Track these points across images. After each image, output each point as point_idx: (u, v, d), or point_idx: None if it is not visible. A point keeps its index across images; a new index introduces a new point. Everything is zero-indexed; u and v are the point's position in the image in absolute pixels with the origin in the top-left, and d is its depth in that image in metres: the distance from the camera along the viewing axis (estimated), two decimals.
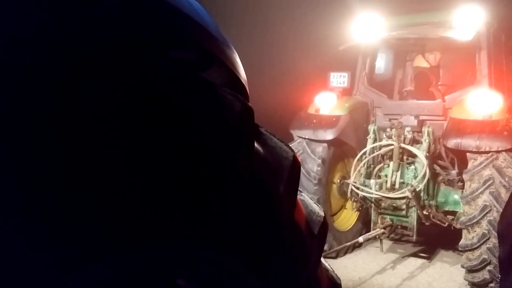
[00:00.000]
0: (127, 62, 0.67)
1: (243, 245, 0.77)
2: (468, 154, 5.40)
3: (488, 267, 5.10)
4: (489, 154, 5.19)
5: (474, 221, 5.14)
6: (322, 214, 0.95)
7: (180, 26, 0.73)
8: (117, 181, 0.64)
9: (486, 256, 5.07)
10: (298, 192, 0.92)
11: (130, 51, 0.68)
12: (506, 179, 5.05)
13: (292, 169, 0.86)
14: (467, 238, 5.24)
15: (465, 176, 5.41)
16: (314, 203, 0.97)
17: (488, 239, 5.06)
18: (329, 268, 1.00)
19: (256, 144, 0.82)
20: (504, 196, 4.97)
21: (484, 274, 5.14)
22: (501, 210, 4.83)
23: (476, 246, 5.14)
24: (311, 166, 6.23)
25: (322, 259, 0.98)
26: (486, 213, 5.08)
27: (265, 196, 0.79)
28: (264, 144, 0.85)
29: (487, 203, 5.08)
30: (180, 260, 0.76)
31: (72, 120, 0.62)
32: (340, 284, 0.98)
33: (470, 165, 5.36)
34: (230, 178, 0.75)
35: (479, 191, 5.16)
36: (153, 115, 0.67)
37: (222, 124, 0.75)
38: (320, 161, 6.22)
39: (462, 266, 5.36)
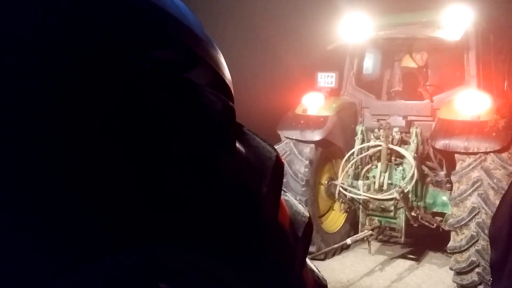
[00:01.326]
0: (109, 62, 0.67)
1: (226, 247, 0.75)
2: (456, 155, 5.36)
3: (476, 269, 5.06)
4: (478, 156, 5.15)
5: (463, 223, 5.10)
6: (307, 214, 0.93)
7: (164, 25, 0.72)
8: (95, 183, 0.64)
9: (474, 258, 5.03)
10: (283, 192, 0.91)
11: (113, 51, 0.67)
12: (495, 180, 5.00)
13: (276, 169, 0.84)
14: (456, 240, 5.20)
15: (453, 178, 5.37)
16: (299, 203, 0.95)
17: (477, 241, 5.02)
18: (315, 269, 0.98)
19: (238, 144, 0.80)
20: (493, 198, 4.93)
21: (472, 276, 5.11)
22: (490, 212, 4.83)
23: (464, 248, 5.09)
24: (299, 167, 6.17)
25: (308, 260, 0.96)
26: (475, 215, 5.03)
27: (248, 197, 0.78)
28: (246, 144, 0.83)
29: (476, 205, 5.04)
30: (162, 264, 0.74)
31: (54, 121, 0.62)
32: (326, 285, 0.96)
33: (458, 166, 5.32)
34: (212, 179, 0.73)
35: (468, 193, 5.11)
36: (133, 116, 0.67)
37: (202, 124, 0.73)
38: (307, 162, 6.17)
39: (451, 268, 5.32)
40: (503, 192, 4.18)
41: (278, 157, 0.86)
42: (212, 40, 0.82)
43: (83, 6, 0.65)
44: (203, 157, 0.72)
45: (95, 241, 0.65)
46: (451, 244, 5.26)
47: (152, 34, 0.71)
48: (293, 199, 0.93)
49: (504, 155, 5.08)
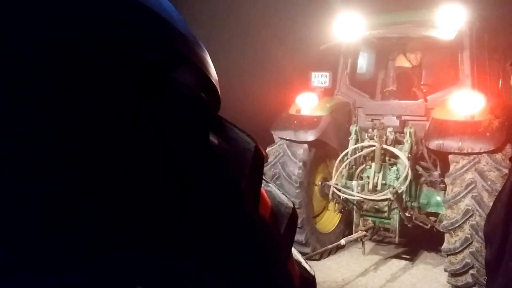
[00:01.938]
0: (89, 61, 0.65)
1: (204, 246, 0.72)
2: (450, 157, 5.33)
3: (471, 271, 5.04)
4: (471, 157, 5.12)
5: (457, 225, 5.07)
6: (291, 205, 0.89)
7: (145, 22, 0.70)
8: (71, 186, 0.62)
9: (469, 260, 5.01)
10: (265, 183, 0.88)
11: (92, 50, 0.65)
12: (489, 183, 4.97)
13: (255, 160, 0.81)
14: (450, 242, 5.18)
15: (447, 180, 5.34)
16: (283, 193, 0.91)
17: (471, 243, 5.00)
18: (302, 260, 0.94)
19: (215, 136, 0.77)
20: (487, 200, 4.90)
21: (467, 278, 5.09)
22: (483, 214, 4.79)
23: (458, 250, 5.07)
24: (292, 169, 6.13)
25: (295, 251, 0.93)
26: (469, 217, 5.01)
27: (226, 191, 0.75)
28: (224, 135, 0.80)
29: (470, 207, 5.01)
30: (139, 268, 0.71)
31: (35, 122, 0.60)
32: (314, 276, 0.92)
33: (452, 168, 5.29)
34: (187, 173, 0.71)
35: (461, 195, 5.09)
36: (111, 115, 0.65)
37: (174, 119, 0.71)
38: (301, 163, 6.12)
39: (445, 270, 5.30)
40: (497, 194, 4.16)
41: (257, 148, 0.82)
42: (197, 38, 0.80)
43: (66, 6, 0.64)
44: (176, 151, 0.70)
45: (73, 247, 0.63)
46: (445, 246, 5.24)
47: (133, 31, 0.69)
48: (276, 189, 0.89)
49: (498, 156, 5.05)
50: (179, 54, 0.76)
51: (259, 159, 0.82)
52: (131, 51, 0.70)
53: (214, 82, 0.82)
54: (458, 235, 5.09)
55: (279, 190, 0.90)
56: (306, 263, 0.95)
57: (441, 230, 5.32)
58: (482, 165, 5.05)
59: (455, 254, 5.11)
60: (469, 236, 4.99)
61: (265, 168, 6.23)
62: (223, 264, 0.73)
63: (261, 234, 0.78)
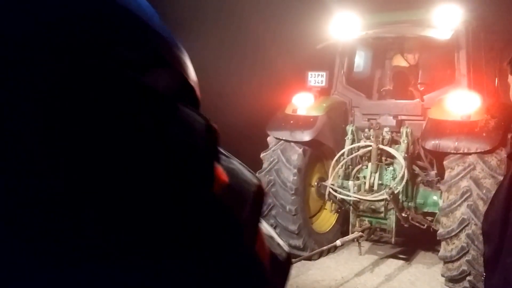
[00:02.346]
0: (58, 62, 0.62)
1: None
2: (445, 163, 5.32)
3: (468, 277, 5.06)
4: (466, 164, 5.09)
5: (453, 234, 5.08)
6: (256, 182, 0.82)
7: (119, 20, 0.68)
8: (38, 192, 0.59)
9: (465, 268, 5.02)
10: (227, 159, 0.81)
11: (70, 51, 0.63)
12: (484, 191, 4.94)
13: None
14: (446, 249, 5.19)
15: (442, 187, 5.35)
16: (247, 169, 0.84)
17: (467, 252, 5.00)
18: (274, 234, 0.87)
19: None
20: (482, 208, 4.87)
21: (464, 284, 5.11)
22: (479, 223, 4.77)
23: (455, 258, 5.08)
24: (287, 175, 6.11)
25: (267, 227, 0.86)
26: (464, 226, 5.01)
27: (226, 226, 0.71)
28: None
29: (465, 217, 5.00)
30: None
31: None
32: (289, 253, 0.85)
33: (447, 175, 5.28)
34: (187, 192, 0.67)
35: (457, 203, 5.08)
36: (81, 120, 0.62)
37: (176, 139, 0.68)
38: (295, 170, 6.09)
39: (442, 275, 5.31)
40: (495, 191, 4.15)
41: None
42: (175, 38, 0.77)
43: (41, 6, 0.62)
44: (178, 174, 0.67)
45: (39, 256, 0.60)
46: (442, 253, 5.24)
47: (108, 29, 0.67)
48: (241, 166, 0.84)
49: (493, 162, 5.03)
50: (155, 55, 0.73)
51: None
52: (108, 49, 0.67)
53: (193, 84, 0.79)
54: (454, 243, 5.10)
55: (244, 166, 0.83)
56: (279, 237, 0.89)
57: (438, 238, 5.29)
58: (477, 172, 5.04)
59: (452, 261, 5.13)
60: (465, 245, 4.99)
61: (259, 175, 6.27)
62: (182, 245, 0.69)
63: (219, 215, 0.72)
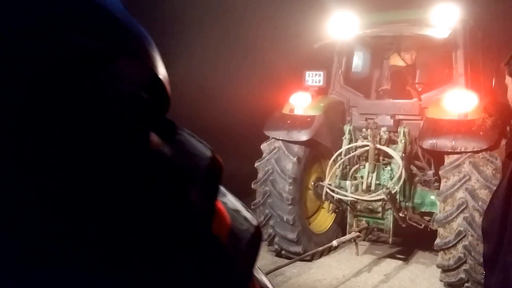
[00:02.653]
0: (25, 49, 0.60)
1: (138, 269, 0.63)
2: (440, 172, 5.30)
3: (466, 284, 5.08)
4: (462, 175, 5.05)
5: (450, 245, 5.08)
6: (255, 223, 0.77)
7: (79, 9, 0.66)
8: None
9: (463, 276, 5.03)
10: (225, 197, 0.78)
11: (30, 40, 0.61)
12: (480, 203, 4.90)
13: (210, 171, 0.72)
14: (444, 258, 5.19)
15: (438, 198, 5.33)
16: (247, 209, 0.80)
17: (465, 261, 5.00)
18: (266, 280, 0.83)
19: (159, 140, 0.68)
20: (478, 220, 4.86)
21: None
22: (476, 234, 4.84)
23: (453, 267, 5.09)
24: (282, 186, 6.07)
25: (260, 273, 0.82)
26: (461, 238, 5.00)
27: (169, 204, 0.65)
28: (172, 141, 0.72)
29: (462, 228, 4.99)
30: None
31: None
32: (257, 226, 0.80)
33: (442, 185, 5.26)
34: (119, 178, 0.63)
35: (453, 216, 5.06)
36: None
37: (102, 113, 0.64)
38: (291, 180, 6.04)
39: (441, 281, 5.31)
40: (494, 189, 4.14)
41: (214, 158, 0.74)
42: (144, 31, 0.75)
43: None
44: (105, 155, 0.62)
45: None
46: (439, 261, 5.24)
47: (69, 16, 0.65)
48: (239, 204, 0.79)
49: (489, 173, 4.99)
50: (120, 45, 0.70)
51: (216, 170, 0.74)
52: (66, 36, 0.64)
53: (162, 80, 0.75)
54: (451, 253, 5.10)
55: (242, 205, 0.80)
56: (271, 283, 0.86)
57: (435, 228, 5.29)
58: (472, 183, 5.01)
59: (450, 270, 5.14)
60: (462, 255, 4.99)
61: (255, 185, 6.23)
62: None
63: (213, 254, 0.69)
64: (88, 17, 0.66)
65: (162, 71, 0.77)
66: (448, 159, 5.26)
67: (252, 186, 6.32)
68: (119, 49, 0.70)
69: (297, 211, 6.14)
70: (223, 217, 0.74)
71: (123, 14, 0.72)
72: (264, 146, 6.38)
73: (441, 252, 5.20)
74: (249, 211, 0.81)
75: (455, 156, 5.18)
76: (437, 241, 5.23)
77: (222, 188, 0.78)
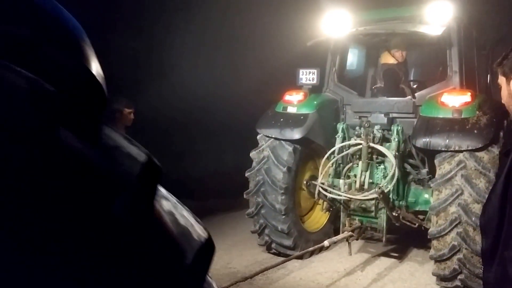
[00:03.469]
0: None
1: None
2: (436, 161, 5.24)
3: (459, 276, 5.02)
4: (454, 189, 4.98)
5: (444, 233, 5.03)
6: (205, 235, 0.70)
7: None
8: None
9: (457, 266, 4.98)
10: (171, 204, 0.70)
11: None
12: (473, 218, 4.82)
13: (143, 177, 0.63)
14: (437, 248, 5.13)
15: (430, 212, 5.30)
16: (196, 219, 0.73)
17: (459, 250, 4.94)
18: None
19: (80, 143, 0.61)
20: (473, 207, 4.85)
21: (456, 282, 5.09)
22: (469, 248, 4.82)
23: (446, 257, 5.03)
24: (276, 174, 6.05)
25: (211, 282, 0.74)
26: (456, 225, 4.94)
27: (88, 214, 0.57)
28: (100, 143, 0.65)
29: (456, 243, 4.94)
30: None
31: None
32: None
33: (438, 173, 5.20)
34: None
35: (446, 231, 5.00)
36: None
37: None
38: (285, 169, 6.02)
39: (434, 274, 5.26)
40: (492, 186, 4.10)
41: (150, 161, 0.66)
42: (81, 29, 0.74)
43: None
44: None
45: None
46: (432, 252, 5.19)
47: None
48: (187, 213, 0.72)
49: (485, 160, 4.94)
50: (46, 34, 0.67)
51: (152, 176, 0.66)
52: None
53: (95, 76, 0.70)
54: (445, 242, 5.04)
55: (191, 214, 0.73)
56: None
57: (429, 237, 5.23)
58: (468, 169, 4.95)
59: (443, 260, 5.09)
60: (456, 244, 4.93)
61: (248, 174, 6.20)
62: None
63: (150, 269, 0.61)
64: (10, 4, 0.63)
65: (95, 67, 0.72)
66: (439, 171, 5.18)
67: (246, 174, 6.27)
68: (41, 39, 0.66)
69: (289, 202, 6.12)
70: (162, 226, 0.66)
71: (53, 7, 0.70)
72: (253, 155, 6.33)
73: (435, 241, 5.15)
74: (198, 220, 0.73)
75: (447, 168, 5.11)
76: (432, 253, 5.18)
77: (167, 196, 0.72)
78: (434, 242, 5.14)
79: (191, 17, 9.24)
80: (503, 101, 2.37)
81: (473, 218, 4.78)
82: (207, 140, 9.66)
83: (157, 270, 0.61)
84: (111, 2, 8.04)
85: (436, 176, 5.19)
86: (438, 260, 5.09)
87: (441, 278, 5.16)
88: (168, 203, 0.70)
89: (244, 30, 9.42)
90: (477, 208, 4.78)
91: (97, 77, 0.71)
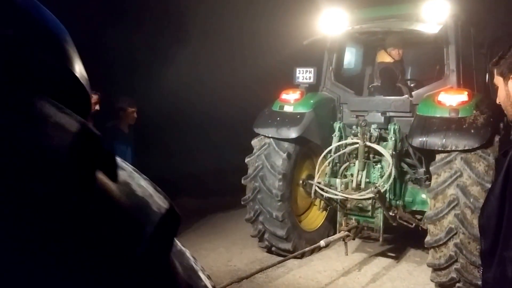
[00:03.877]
0: None
1: None
2: (431, 169, 5.18)
3: (458, 284, 4.97)
4: (450, 198, 4.91)
5: (440, 243, 4.98)
6: (166, 205, 0.65)
7: None
8: None
9: (454, 275, 4.93)
10: (129, 173, 0.66)
11: None
12: (471, 199, 4.79)
13: (162, 226, 0.61)
14: (435, 257, 5.08)
15: (426, 220, 5.24)
16: (158, 190, 0.68)
17: (456, 260, 4.89)
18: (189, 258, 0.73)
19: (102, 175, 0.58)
20: (470, 217, 4.78)
21: None
22: (466, 259, 4.77)
23: (444, 266, 4.99)
24: (272, 182, 6.01)
25: (189, 258, 0.74)
26: (452, 235, 4.89)
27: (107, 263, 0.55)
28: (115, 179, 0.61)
29: (452, 253, 4.88)
30: None
31: None
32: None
33: (433, 182, 5.15)
34: None
35: (442, 241, 4.95)
36: None
37: None
38: (280, 176, 5.99)
39: (432, 281, 5.21)
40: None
41: (171, 211, 0.65)
42: (64, 30, 0.73)
43: None
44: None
45: None
46: (430, 260, 5.14)
47: None
48: (146, 182, 0.67)
49: (481, 169, 4.86)
50: (29, 35, 0.64)
51: (171, 225, 0.64)
52: None
53: (78, 77, 0.67)
54: (442, 251, 5.00)
55: (150, 183, 0.69)
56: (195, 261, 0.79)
57: (425, 246, 5.17)
58: (464, 179, 4.89)
59: (441, 269, 5.04)
60: (453, 253, 4.87)
61: (245, 181, 6.15)
62: None
63: (100, 248, 0.56)
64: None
65: (78, 69, 0.70)
66: (439, 155, 5.15)
67: (242, 181, 6.25)
68: (23, 40, 0.63)
69: (286, 208, 6.08)
70: (110, 199, 0.61)
71: (36, 8, 0.68)
72: (254, 142, 6.34)
73: (432, 250, 5.10)
74: (158, 190, 0.69)
75: (443, 177, 5.05)
76: (427, 238, 5.12)
77: (123, 165, 0.68)
78: (431, 251, 5.11)
79: (190, 17, 9.20)
80: (499, 102, 2.38)
81: (472, 200, 4.76)
82: (207, 139, 9.66)
83: (107, 248, 0.56)
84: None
85: (432, 184, 5.14)
86: (434, 246, 5.03)
87: (436, 269, 5.08)
88: (123, 172, 0.66)
89: (240, 28, 9.37)
90: (476, 190, 4.78)
91: (81, 79, 0.68)
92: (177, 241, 0.73)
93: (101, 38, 7.92)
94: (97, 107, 5.78)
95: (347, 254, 5.90)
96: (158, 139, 8.82)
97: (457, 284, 4.95)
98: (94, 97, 5.72)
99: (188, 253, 0.77)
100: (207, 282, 0.76)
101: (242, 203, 6.30)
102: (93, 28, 7.72)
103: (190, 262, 0.76)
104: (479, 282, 3.85)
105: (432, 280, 5.19)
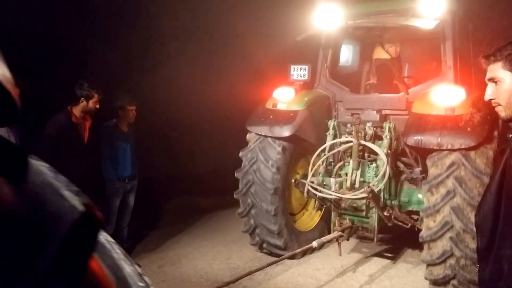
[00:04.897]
0: None
1: None
2: (427, 162, 5.07)
3: (452, 281, 4.85)
4: (450, 164, 4.82)
5: (435, 237, 4.87)
6: (80, 207, 0.59)
7: None
8: None
9: (449, 272, 4.83)
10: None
11: None
12: (468, 192, 4.67)
13: (75, 232, 0.57)
14: (429, 252, 4.96)
15: (422, 213, 5.13)
16: (70, 189, 0.62)
17: (451, 255, 4.77)
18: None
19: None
20: (466, 211, 4.67)
21: (448, 287, 4.92)
22: (463, 254, 4.67)
23: (438, 262, 4.88)
24: (266, 174, 5.93)
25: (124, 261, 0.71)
26: (448, 229, 4.77)
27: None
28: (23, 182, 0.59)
29: (447, 248, 4.78)
30: None
31: None
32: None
33: (429, 174, 5.03)
34: None
35: (440, 205, 4.83)
36: None
37: None
38: (274, 169, 5.92)
39: (426, 278, 5.09)
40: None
41: (89, 213, 0.59)
42: None
43: None
44: None
45: None
46: (424, 256, 5.03)
47: None
48: (63, 185, 0.62)
49: (479, 161, 4.75)
50: None
51: (89, 227, 0.59)
52: None
53: (2, 81, 0.62)
54: (437, 246, 4.88)
55: (65, 187, 0.61)
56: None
57: (420, 241, 5.05)
58: (461, 171, 4.77)
59: (435, 265, 4.92)
60: (448, 248, 4.77)
61: (238, 174, 6.04)
62: None
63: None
64: None
65: (0, 70, 0.64)
66: (431, 172, 5.02)
67: (236, 175, 6.15)
68: None
69: (280, 202, 5.99)
70: (100, 280, 0.61)
71: None
72: (249, 136, 6.27)
73: (426, 245, 4.97)
74: (74, 192, 0.61)
75: (439, 170, 4.93)
76: (422, 233, 5.00)
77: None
78: (426, 246, 4.99)
79: (187, 16, 9.11)
80: (498, 100, 2.34)
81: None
82: (206, 138, 9.63)
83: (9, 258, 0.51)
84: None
85: (428, 177, 5.02)
86: (429, 240, 4.91)
87: (430, 264, 4.97)
88: (40, 177, 0.60)
89: (233, 25, 9.27)
90: (472, 183, 4.67)
91: (3, 82, 0.61)
92: (105, 239, 0.70)
93: (101, 38, 7.85)
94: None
95: (340, 255, 5.77)
96: (159, 140, 8.79)
97: (452, 282, 4.83)
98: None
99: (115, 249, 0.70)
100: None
101: (234, 196, 6.22)
102: (93, 28, 7.65)
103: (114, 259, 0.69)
104: (474, 279, 3.77)
105: (426, 278, 5.06)
